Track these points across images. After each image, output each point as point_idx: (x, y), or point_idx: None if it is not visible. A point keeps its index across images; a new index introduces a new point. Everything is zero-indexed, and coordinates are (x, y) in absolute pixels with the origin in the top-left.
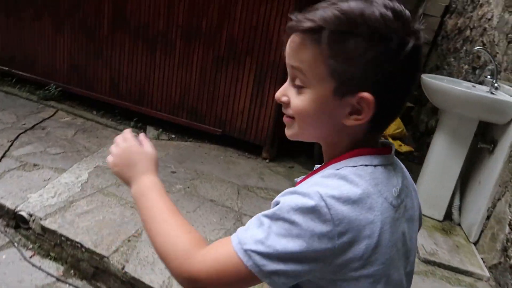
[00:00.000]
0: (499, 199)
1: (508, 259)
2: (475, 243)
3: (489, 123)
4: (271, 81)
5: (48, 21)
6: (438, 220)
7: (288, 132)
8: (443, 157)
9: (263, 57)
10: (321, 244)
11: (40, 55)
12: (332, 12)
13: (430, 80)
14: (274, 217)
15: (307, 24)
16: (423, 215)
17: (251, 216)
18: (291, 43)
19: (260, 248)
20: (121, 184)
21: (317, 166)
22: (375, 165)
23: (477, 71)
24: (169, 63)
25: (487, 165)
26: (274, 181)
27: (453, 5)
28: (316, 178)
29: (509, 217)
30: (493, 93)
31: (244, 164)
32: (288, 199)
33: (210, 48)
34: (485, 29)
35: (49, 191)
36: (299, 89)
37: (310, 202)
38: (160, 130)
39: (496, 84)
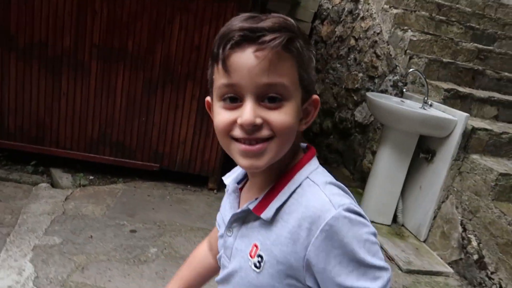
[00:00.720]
0: (443, 202)
1: (470, 255)
2: (425, 241)
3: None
4: None
5: None
6: (387, 225)
7: (263, 161)
8: (388, 169)
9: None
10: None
11: None
12: (291, 22)
13: (377, 99)
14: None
15: (285, 36)
16: (374, 222)
17: None
18: (264, 59)
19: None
20: (85, 266)
21: (230, 183)
22: (319, 164)
23: (376, 80)
24: (82, 90)
25: (427, 172)
26: None
27: (324, 13)
28: (316, 202)
29: (459, 217)
30: (425, 109)
31: (196, 201)
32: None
33: (139, 72)
34: (376, 41)
35: None
36: (277, 104)
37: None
38: (82, 174)
39: (430, 102)
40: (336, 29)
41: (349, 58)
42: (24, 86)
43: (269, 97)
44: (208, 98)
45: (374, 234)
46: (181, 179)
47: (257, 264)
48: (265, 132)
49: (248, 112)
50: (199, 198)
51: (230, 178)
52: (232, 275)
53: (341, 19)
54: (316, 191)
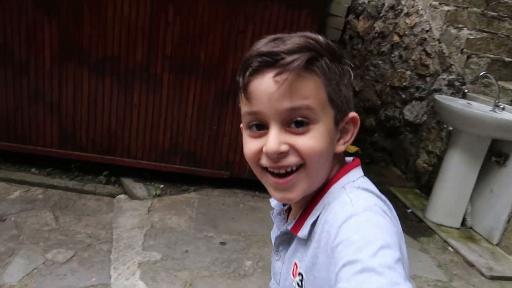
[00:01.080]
0: None
1: None
2: (497, 244)
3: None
4: None
5: None
6: (456, 228)
7: (295, 193)
8: (458, 172)
9: None
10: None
11: None
12: (315, 39)
13: (448, 103)
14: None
15: (305, 56)
16: (443, 225)
17: None
18: (284, 83)
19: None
20: (192, 283)
21: (276, 206)
22: (363, 176)
23: (427, 79)
24: (154, 102)
25: (499, 175)
26: None
27: (359, 7)
28: (338, 205)
29: None
30: (497, 112)
31: (269, 208)
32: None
33: (211, 82)
34: (425, 39)
35: None
36: (305, 128)
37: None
38: (157, 184)
39: (502, 105)
40: (375, 25)
41: (393, 55)
42: (97, 99)
43: (295, 122)
44: (242, 125)
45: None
46: (248, 185)
47: (299, 283)
48: (292, 159)
49: (272, 140)
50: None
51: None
52: None
53: (381, 15)
54: (342, 195)
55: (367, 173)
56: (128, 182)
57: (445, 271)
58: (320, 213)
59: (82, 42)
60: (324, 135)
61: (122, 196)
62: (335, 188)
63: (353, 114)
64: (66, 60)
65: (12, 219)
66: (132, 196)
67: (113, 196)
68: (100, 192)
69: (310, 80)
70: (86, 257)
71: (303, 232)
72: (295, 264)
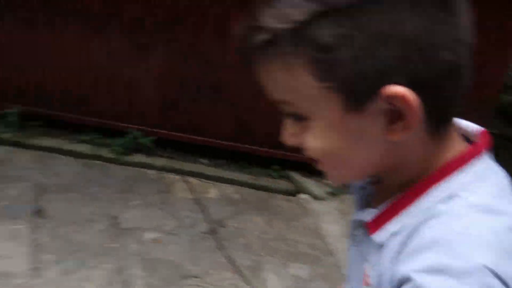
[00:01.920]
0: None
1: None
2: None
3: None
4: None
5: (114, 34)
6: None
7: (330, 178)
8: None
9: None
10: None
11: (100, 87)
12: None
13: None
14: None
15: (265, 37)
16: None
17: None
18: (259, 73)
19: None
20: None
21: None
22: (495, 168)
23: None
24: None
25: None
26: None
27: None
28: (440, 230)
29: None
30: None
31: None
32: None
33: None
34: None
35: None
36: (303, 123)
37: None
38: (326, 181)
39: None
40: None
41: None
42: None
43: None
44: None
45: None
46: None
47: None
48: (309, 154)
49: (283, 131)
50: None
51: None
52: None
53: None
54: (451, 221)
55: None
56: (298, 177)
57: None
58: (406, 224)
59: None
60: (328, 131)
61: (305, 197)
62: (438, 193)
63: (391, 90)
64: None
65: (233, 225)
66: (311, 195)
67: (289, 193)
68: (275, 189)
69: (283, 67)
70: (323, 273)
71: (379, 236)
72: (365, 268)
